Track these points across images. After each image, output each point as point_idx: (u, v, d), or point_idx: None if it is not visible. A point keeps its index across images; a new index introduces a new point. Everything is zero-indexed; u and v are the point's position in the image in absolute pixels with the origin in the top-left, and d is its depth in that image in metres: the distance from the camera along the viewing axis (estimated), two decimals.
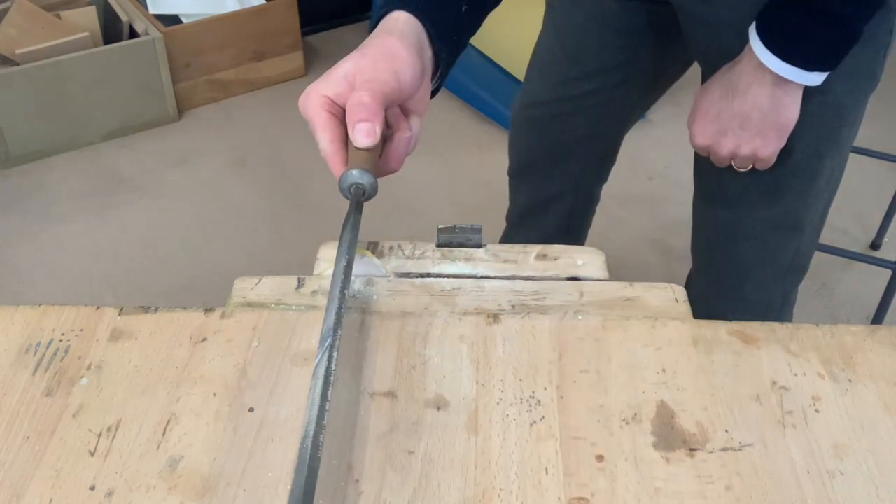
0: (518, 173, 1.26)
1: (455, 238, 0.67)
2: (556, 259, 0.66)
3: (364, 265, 0.65)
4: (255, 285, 0.63)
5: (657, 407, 0.54)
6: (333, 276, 0.56)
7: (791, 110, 0.81)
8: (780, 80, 0.78)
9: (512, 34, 1.91)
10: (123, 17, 2.11)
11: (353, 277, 0.61)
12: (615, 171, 1.25)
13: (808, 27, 0.74)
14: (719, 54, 0.85)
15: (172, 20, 2.20)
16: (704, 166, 0.93)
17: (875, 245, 1.86)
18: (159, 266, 1.79)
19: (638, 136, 1.58)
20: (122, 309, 0.60)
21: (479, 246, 0.67)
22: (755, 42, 0.78)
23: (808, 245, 0.98)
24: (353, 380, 0.56)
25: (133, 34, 2.11)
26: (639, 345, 0.58)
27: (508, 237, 1.34)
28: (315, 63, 2.44)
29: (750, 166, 0.87)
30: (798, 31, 0.75)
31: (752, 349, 0.58)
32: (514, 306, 0.62)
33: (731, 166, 0.88)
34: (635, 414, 0.54)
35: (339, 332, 0.52)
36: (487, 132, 2.18)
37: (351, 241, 0.58)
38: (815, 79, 0.78)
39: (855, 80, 0.83)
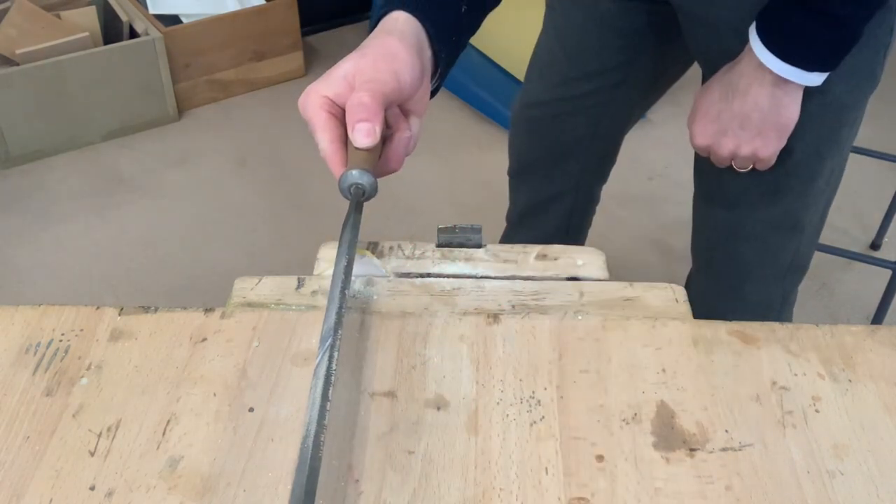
0: (518, 173, 1.26)
1: (455, 238, 0.67)
2: (556, 259, 0.66)
3: (364, 265, 0.65)
4: (255, 285, 0.63)
5: (657, 407, 0.54)
6: (333, 276, 0.56)
7: (791, 111, 0.81)
8: (780, 81, 0.78)
9: (512, 34, 1.91)
10: (123, 17, 2.11)
11: (353, 277, 0.61)
12: (615, 171, 1.25)
13: (808, 27, 0.74)
14: (719, 54, 0.85)
15: (172, 20, 2.20)
16: (704, 166, 0.93)
17: (875, 245, 1.86)
18: (159, 266, 1.79)
19: (638, 136, 1.58)
20: (122, 309, 0.60)
21: (479, 246, 0.67)
22: (755, 42, 0.78)
23: (808, 245, 0.98)
24: (353, 380, 0.56)
25: (133, 34, 2.11)
26: (639, 345, 0.58)
27: (508, 237, 1.34)
28: (315, 63, 2.44)
29: (750, 167, 0.87)
30: (798, 32, 0.75)
31: (752, 349, 0.58)
32: (514, 306, 0.62)
33: (731, 166, 0.88)
34: (635, 414, 0.54)
35: (340, 332, 0.52)
36: (487, 132, 2.18)
37: (351, 241, 0.58)
38: (816, 79, 0.78)
39: (855, 80, 0.83)
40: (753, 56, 0.78)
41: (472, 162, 2.09)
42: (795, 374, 0.57)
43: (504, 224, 1.35)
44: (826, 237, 1.11)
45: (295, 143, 2.13)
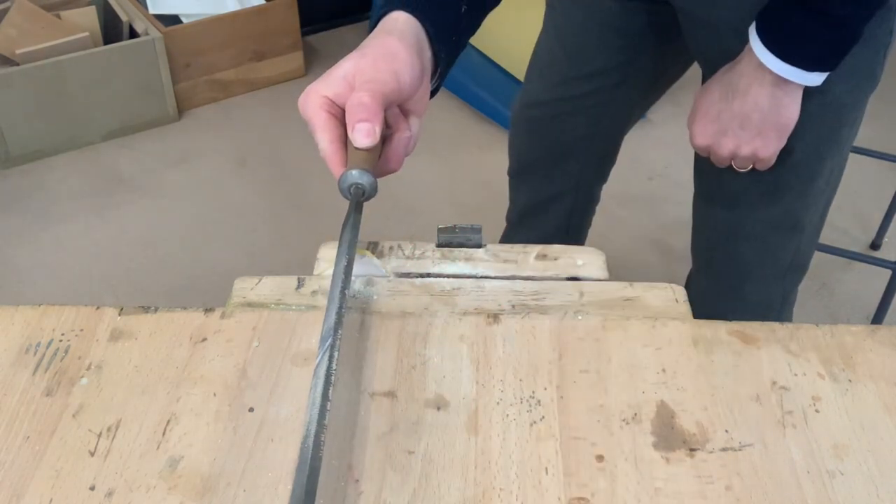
0: (518, 173, 1.26)
1: (455, 238, 0.67)
2: (556, 259, 0.66)
3: (364, 265, 0.65)
4: (255, 285, 0.63)
5: (657, 407, 0.54)
6: (333, 276, 0.56)
7: (791, 110, 0.81)
8: (780, 81, 0.78)
9: (512, 34, 1.91)
10: (123, 17, 2.11)
11: (353, 277, 0.61)
12: (615, 171, 1.25)
13: (808, 27, 0.74)
14: (719, 54, 0.85)
15: (172, 20, 2.20)
16: (704, 166, 0.93)
17: (875, 245, 1.86)
18: (159, 266, 1.79)
19: (638, 136, 1.58)
20: (122, 309, 0.60)
21: (479, 246, 0.67)
22: (755, 42, 0.78)
23: (808, 245, 0.98)
24: (353, 380, 0.56)
25: (133, 34, 2.11)
26: (639, 345, 0.58)
27: (508, 237, 1.34)
28: (315, 63, 2.44)
29: (750, 166, 0.87)
30: (798, 32, 0.75)
31: (752, 349, 0.58)
32: (514, 306, 0.62)
33: (731, 166, 0.88)
34: (635, 414, 0.54)
35: (340, 332, 0.52)
36: (487, 132, 2.18)
37: (351, 241, 0.58)
38: (815, 79, 0.78)
39: (855, 80, 0.83)
40: (753, 56, 0.78)
41: (472, 162, 2.09)
42: (795, 374, 0.57)
43: (504, 224, 1.35)
44: (826, 237, 1.11)
45: (295, 143, 2.13)
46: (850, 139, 0.91)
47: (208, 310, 0.60)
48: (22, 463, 0.50)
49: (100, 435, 0.52)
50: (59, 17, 2.12)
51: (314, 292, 0.63)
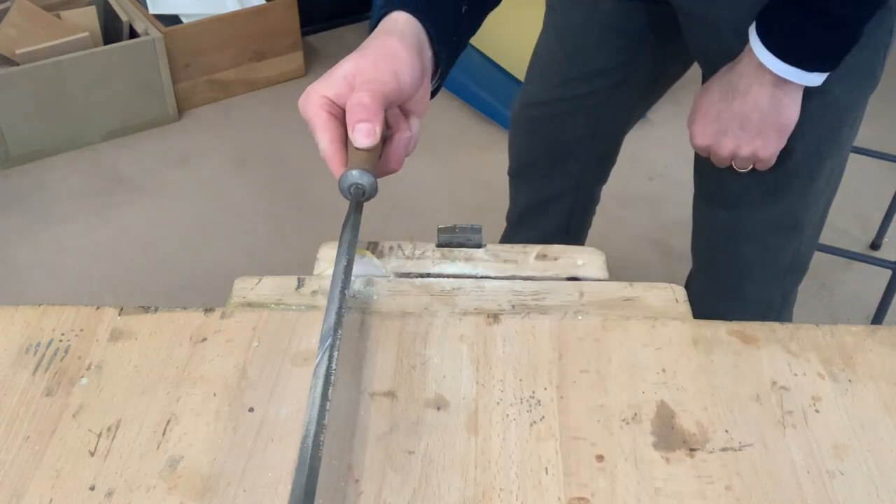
0: (518, 173, 1.26)
1: (455, 238, 0.67)
2: (556, 259, 0.66)
3: (364, 265, 0.65)
4: (255, 285, 0.63)
5: (657, 407, 0.54)
6: (333, 276, 0.56)
7: (791, 111, 0.81)
8: (780, 81, 0.78)
9: (512, 34, 1.91)
10: (123, 17, 2.11)
11: (353, 277, 0.61)
12: (615, 171, 1.25)
13: (808, 28, 0.74)
14: (719, 54, 0.85)
15: (172, 20, 2.20)
16: (704, 166, 0.93)
17: (875, 245, 1.86)
18: (159, 266, 1.79)
19: (638, 136, 1.58)
20: (122, 309, 0.60)
21: (479, 246, 0.67)
22: (755, 42, 0.78)
23: (808, 245, 0.98)
24: (353, 380, 0.56)
25: (133, 34, 2.11)
26: (639, 345, 0.58)
27: (508, 237, 1.34)
28: (315, 63, 2.44)
29: (750, 167, 0.87)
30: (798, 32, 0.75)
31: (752, 349, 0.58)
32: (514, 306, 0.62)
33: (731, 167, 0.88)
34: (635, 414, 0.54)
35: (340, 332, 0.52)
36: (487, 132, 2.18)
37: (351, 241, 0.58)
38: (815, 79, 0.78)
39: (855, 81, 0.83)
40: (753, 56, 0.78)
41: (472, 162, 2.09)
42: (795, 374, 0.57)
43: (504, 224, 1.35)
44: (826, 237, 1.11)
45: (295, 143, 2.13)
46: (851, 139, 0.91)
47: (208, 310, 0.60)
48: (22, 463, 0.50)
49: (100, 435, 0.52)
50: (59, 17, 2.12)
51: (314, 292, 0.63)
